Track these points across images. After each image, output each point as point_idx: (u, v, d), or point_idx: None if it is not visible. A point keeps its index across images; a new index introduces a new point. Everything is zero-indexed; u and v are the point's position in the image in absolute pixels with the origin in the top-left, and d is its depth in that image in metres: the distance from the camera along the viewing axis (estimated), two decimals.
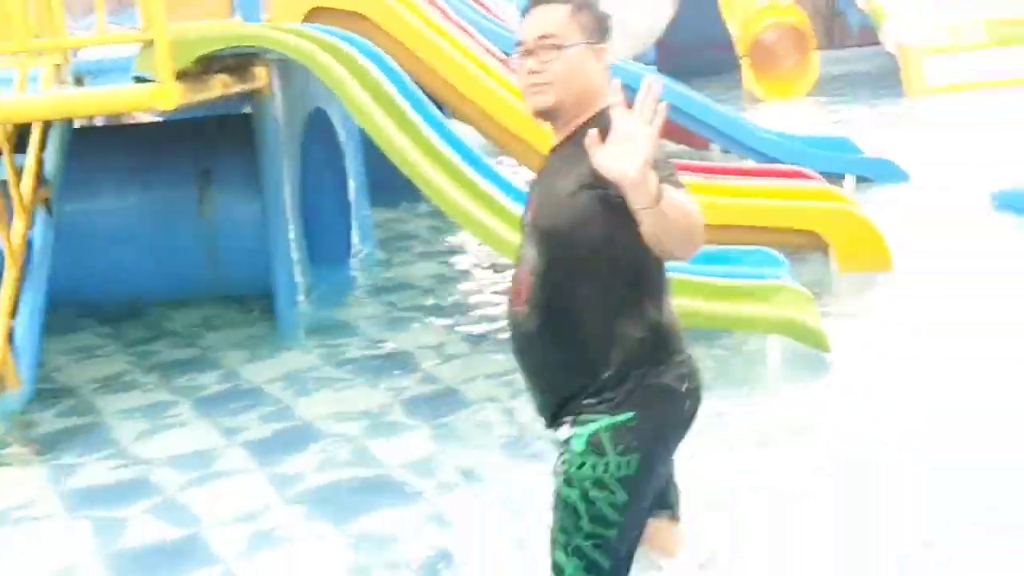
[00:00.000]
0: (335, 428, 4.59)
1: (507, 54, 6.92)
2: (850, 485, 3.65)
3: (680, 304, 4.80)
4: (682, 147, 9.82)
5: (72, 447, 4.63)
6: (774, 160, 7.95)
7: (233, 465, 4.36)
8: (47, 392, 5.29)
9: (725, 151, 8.93)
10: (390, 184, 8.58)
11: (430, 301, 6.46)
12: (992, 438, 3.90)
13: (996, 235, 6.58)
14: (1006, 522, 3.32)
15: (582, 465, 2.41)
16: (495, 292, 6.48)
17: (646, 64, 10.38)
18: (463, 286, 6.80)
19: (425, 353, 5.46)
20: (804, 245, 6.16)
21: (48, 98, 5.18)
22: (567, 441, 2.44)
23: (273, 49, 5.21)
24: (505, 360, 5.23)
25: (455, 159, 5.15)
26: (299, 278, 6.13)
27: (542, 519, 2.60)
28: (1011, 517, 3.35)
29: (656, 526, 2.64)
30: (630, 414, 2.41)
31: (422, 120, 5.21)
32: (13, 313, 5.06)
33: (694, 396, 2.52)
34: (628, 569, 2.52)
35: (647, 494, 2.48)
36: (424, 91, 5.59)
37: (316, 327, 6.03)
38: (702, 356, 4.82)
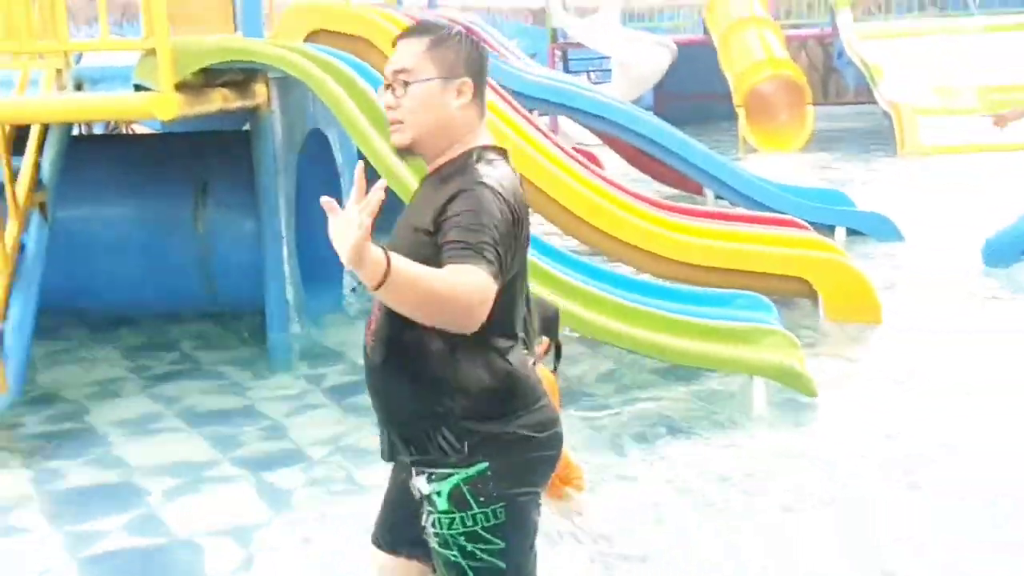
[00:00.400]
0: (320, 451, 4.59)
1: (504, 87, 6.98)
2: (832, 520, 3.70)
3: (670, 342, 4.89)
4: (677, 191, 9.89)
5: (58, 452, 4.61)
6: (767, 209, 8.01)
7: (224, 475, 4.35)
8: (35, 397, 5.27)
9: (719, 197, 9.00)
10: (384, 208, 8.67)
11: None
12: (972, 477, 3.99)
13: (986, 296, 6.64)
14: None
15: (451, 523, 2.32)
16: None
17: (644, 108, 10.46)
18: None
19: None
20: (794, 292, 6.20)
21: (47, 101, 5.20)
22: (428, 498, 2.34)
23: (274, 66, 5.24)
24: None
25: None
26: (291, 298, 6.13)
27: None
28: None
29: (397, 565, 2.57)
30: (483, 465, 2.30)
31: None
32: (3, 316, 5.04)
33: (555, 438, 2.40)
34: None
35: (528, 531, 2.38)
36: None
37: (307, 349, 6.01)
38: (686, 395, 4.92)
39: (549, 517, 3.12)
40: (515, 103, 6.66)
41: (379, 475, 4.17)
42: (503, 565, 2.33)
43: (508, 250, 2.23)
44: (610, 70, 15.99)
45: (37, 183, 5.36)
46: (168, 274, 6.54)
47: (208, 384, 5.52)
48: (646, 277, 6.12)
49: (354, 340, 6.14)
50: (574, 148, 6.57)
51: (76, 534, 3.87)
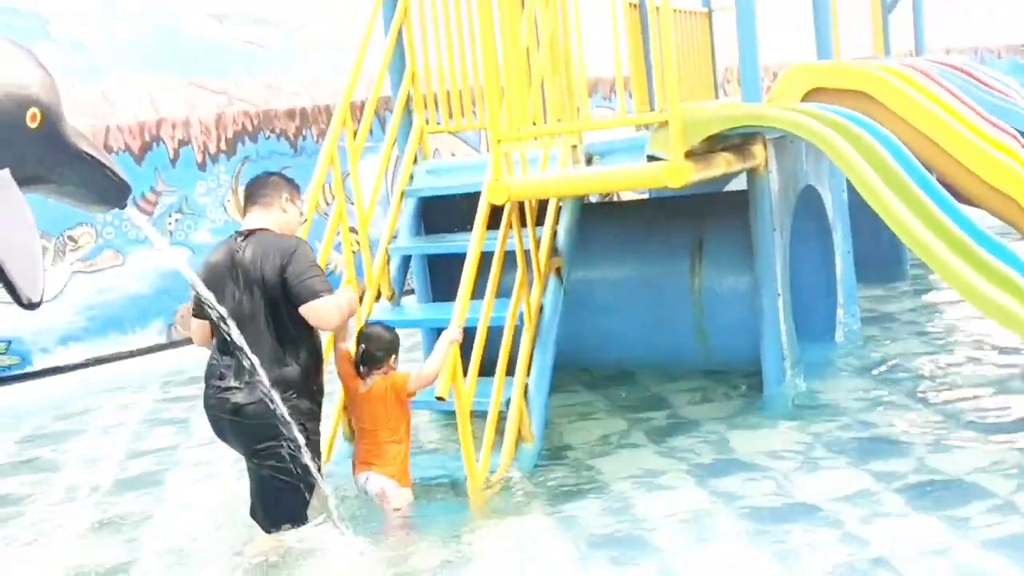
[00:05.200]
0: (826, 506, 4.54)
1: (1016, 129, 6.56)
2: None
3: None
4: None
5: (576, 501, 4.93)
6: None
7: (726, 530, 4.43)
8: (553, 448, 5.67)
9: None
10: (876, 262, 8.44)
11: (921, 384, 6.20)
12: None
13: None
14: None
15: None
16: (988, 376, 6.14)
17: None
18: (954, 368, 6.47)
19: (919, 437, 5.26)
20: None
21: (573, 176, 5.63)
22: None
23: (780, 128, 5.30)
24: (1005, 449, 4.93)
25: (962, 235, 4.95)
26: (786, 353, 6.14)
27: None
28: None
29: None
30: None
31: (927, 196, 5.06)
32: (528, 372, 5.49)
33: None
34: None
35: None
36: (929, 169, 5.44)
37: (803, 404, 5.99)
38: None
39: None
40: None
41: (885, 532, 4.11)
42: None
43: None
44: None
45: (554, 250, 5.82)
46: (665, 330, 6.82)
47: (705, 438, 5.64)
48: None
49: (849, 393, 6.09)
50: None
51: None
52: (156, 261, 9.32)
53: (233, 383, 4.46)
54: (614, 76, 5.48)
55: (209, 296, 4.42)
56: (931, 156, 5.95)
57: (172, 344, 9.57)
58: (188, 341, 9.57)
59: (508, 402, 5.35)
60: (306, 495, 4.56)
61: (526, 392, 5.45)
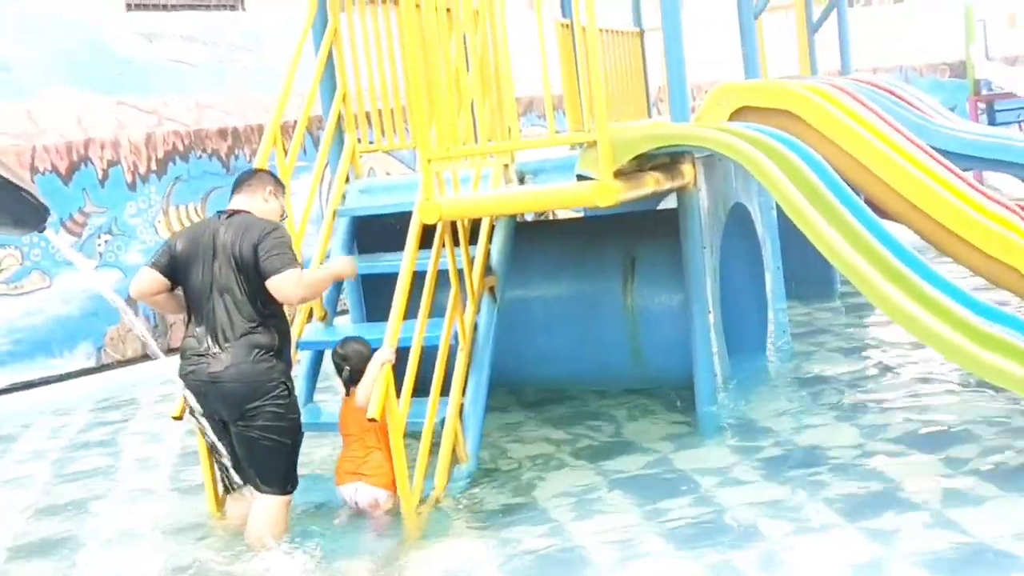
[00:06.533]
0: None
1: (935, 148, 6.72)
2: None
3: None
4: None
5: (509, 521, 4.93)
6: None
7: (658, 548, 4.46)
8: (487, 468, 5.67)
9: None
10: (805, 279, 8.57)
11: (848, 399, 6.30)
12: None
13: None
14: None
15: None
16: (914, 387, 6.27)
17: None
18: (881, 383, 6.59)
19: (844, 452, 5.34)
20: None
21: (505, 195, 5.65)
22: None
23: (708, 148, 5.38)
24: (934, 462, 5.03)
25: (886, 254, 5.05)
26: (718, 369, 6.20)
27: None
28: None
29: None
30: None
31: (851, 214, 5.17)
32: (463, 392, 5.49)
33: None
34: None
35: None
36: (851, 186, 5.55)
37: (735, 422, 6.05)
38: None
39: None
40: (945, 162, 6.39)
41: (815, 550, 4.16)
42: None
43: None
44: None
45: (488, 268, 5.83)
46: (598, 348, 6.85)
47: (639, 456, 5.67)
48: None
49: (782, 412, 6.17)
50: (1018, 204, 6.19)
51: None
52: (84, 283, 9.17)
53: (209, 350, 4.72)
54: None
55: (136, 323, 5.27)
56: (854, 174, 6.07)
57: (101, 367, 9.41)
58: (118, 364, 9.48)
59: (443, 422, 5.34)
60: (295, 453, 4.88)
61: (461, 412, 5.45)
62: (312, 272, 5.05)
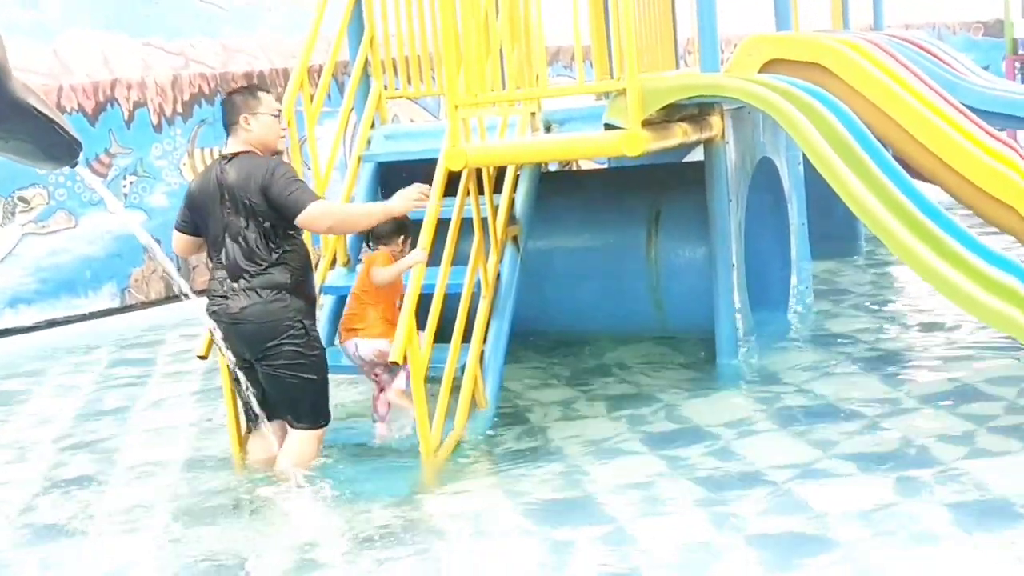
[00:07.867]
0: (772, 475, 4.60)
1: (969, 106, 6.64)
2: None
3: None
4: None
5: (527, 467, 4.97)
6: None
7: (676, 497, 4.48)
8: (507, 415, 5.71)
9: None
10: (830, 236, 8.53)
11: (870, 354, 6.30)
12: None
13: None
14: None
15: None
16: (939, 347, 6.25)
17: None
18: (904, 340, 6.57)
19: (865, 407, 5.35)
20: None
21: (532, 143, 5.64)
22: None
23: (737, 99, 5.33)
24: (951, 416, 5.03)
25: (916, 211, 5.02)
26: (740, 324, 6.20)
27: None
28: None
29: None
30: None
31: (880, 171, 5.13)
32: (484, 339, 5.51)
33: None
34: None
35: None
36: (881, 141, 5.50)
37: (755, 375, 6.06)
38: None
39: None
40: (978, 120, 6.32)
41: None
42: None
43: None
44: None
45: (512, 218, 5.83)
46: (621, 299, 6.86)
47: (658, 406, 5.70)
48: None
49: (802, 366, 6.17)
50: None
51: (552, 541, 4.14)
52: (109, 224, 9.22)
53: (229, 291, 4.84)
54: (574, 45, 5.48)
55: (166, 262, 5.14)
56: (885, 129, 6.01)
57: (125, 308, 9.49)
58: (142, 305, 9.55)
59: (463, 368, 5.37)
60: (324, 387, 4.97)
61: (482, 358, 5.47)
62: (359, 206, 5.23)
